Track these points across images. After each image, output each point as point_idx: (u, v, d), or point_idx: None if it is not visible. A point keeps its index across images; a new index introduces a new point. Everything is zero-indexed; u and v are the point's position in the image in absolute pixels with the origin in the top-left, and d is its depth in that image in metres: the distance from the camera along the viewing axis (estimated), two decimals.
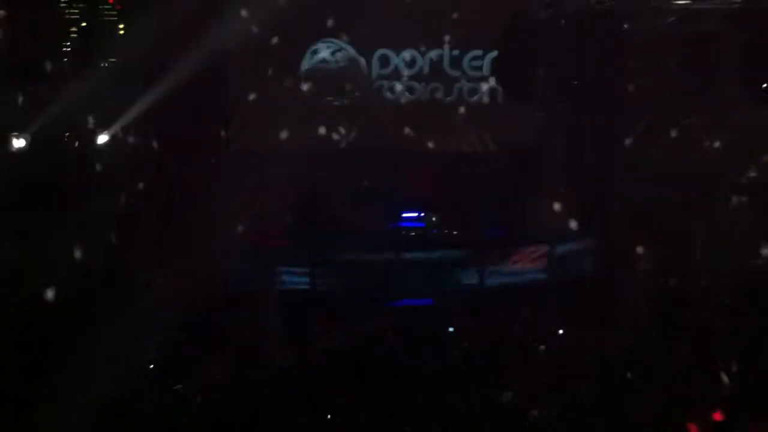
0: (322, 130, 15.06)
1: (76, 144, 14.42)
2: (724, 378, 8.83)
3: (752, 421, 8.28)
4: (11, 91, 13.28)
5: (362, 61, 15.83)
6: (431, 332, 11.67)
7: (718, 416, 8.34)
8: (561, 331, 11.38)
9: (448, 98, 15.94)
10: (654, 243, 12.95)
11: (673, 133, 14.09)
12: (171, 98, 13.54)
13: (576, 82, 15.25)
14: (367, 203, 14.78)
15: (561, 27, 15.05)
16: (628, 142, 14.45)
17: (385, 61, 15.90)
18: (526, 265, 14.61)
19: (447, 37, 15.66)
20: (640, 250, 12.89)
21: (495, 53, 15.72)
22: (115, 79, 13.98)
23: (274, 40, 14.81)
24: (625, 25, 14.50)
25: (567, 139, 15.37)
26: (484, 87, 15.87)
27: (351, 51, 15.79)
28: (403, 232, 15.52)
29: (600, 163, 14.72)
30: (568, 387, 8.97)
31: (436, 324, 12.10)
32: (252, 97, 15.16)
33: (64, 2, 15.60)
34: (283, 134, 14.92)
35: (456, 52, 15.86)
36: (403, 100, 15.93)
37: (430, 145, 15.47)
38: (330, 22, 15.34)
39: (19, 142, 13.28)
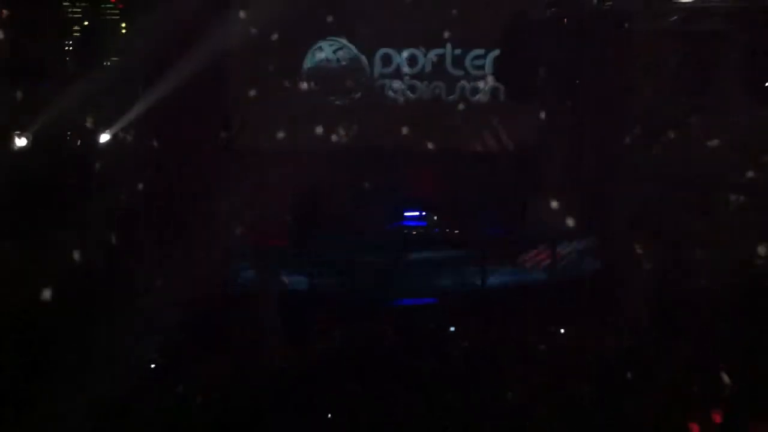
0: (323, 130, 15.08)
1: (77, 143, 14.43)
2: (724, 378, 8.83)
3: (752, 421, 8.27)
4: (12, 90, 13.29)
5: (364, 60, 15.83)
6: (431, 332, 11.66)
7: (717, 416, 8.35)
8: (561, 331, 11.37)
9: (450, 97, 15.93)
10: (654, 243, 12.95)
11: (673, 133, 14.10)
12: (171, 98, 13.55)
13: (577, 82, 15.26)
14: (367, 203, 14.80)
15: (563, 26, 15.05)
16: (628, 141, 14.45)
17: (386, 60, 15.89)
18: (526, 264, 14.61)
19: (449, 36, 15.65)
20: (640, 250, 12.89)
21: (497, 52, 15.71)
22: (117, 78, 13.99)
23: (275, 39, 14.83)
24: (626, 25, 14.50)
25: (568, 139, 15.37)
26: (486, 86, 15.86)
27: (352, 50, 15.78)
28: (404, 232, 15.52)
29: (600, 163, 14.73)
30: (568, 387, 8.96)
31: (436, 324, 12.09)
32: (253, 96, 15.18)
33: (67, 1, 15.61)
34: (284, 134, 14.95)
35: (458, 51, 15.85)
36: (404, 100, 15.92)
37: (432, 144, 15.48)
38: (331, 21, 15.35)
39: (20, 142, 13.29)
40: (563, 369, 9.52)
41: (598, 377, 9.21)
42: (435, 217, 15.57)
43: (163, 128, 14.14)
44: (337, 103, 15.81)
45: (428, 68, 15.92)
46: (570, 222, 14.22)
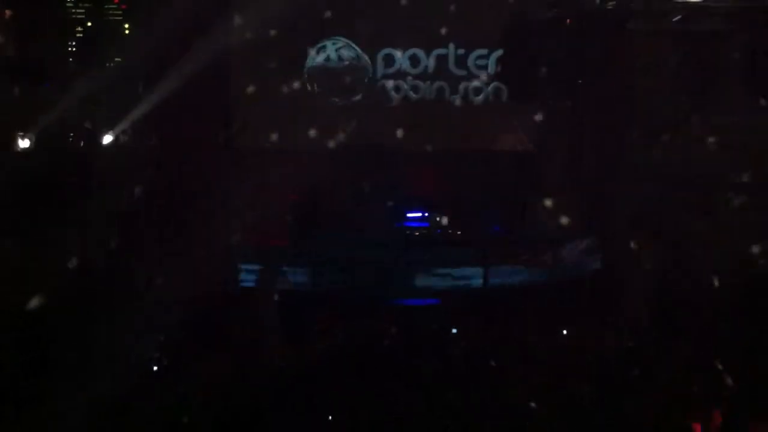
0: (324, 129, 15.08)
1: (79, 143, 14.45)
2: (724, 378, 8.84)
3: (752, 421, 8.28)
4: (16, 90, 13.31)
5: (366, 59, 15.82)
6: (432, 332, 11.66)
7: (718, 416, 8.36)
8: (561, 331, 11.37)
9: (453, 97, 15.92)
10: (654, 243, 12.96)
11: (673, 133, 14.10)
12: (173, 98, 13.56)
13: (578, 82, 15.27)
14: (368, 202, 14.80)
15: (564, 27, 15.05)
16: (628, 141, 14.46)
17: (389, 60, 15.88)
18: (527, 264, 14.60)
19: (452, 36, 15.64)
20: (640, 250, 12.90)
21: (500, 53, 15.71)
22: (119, 78, 14.01)
23: (277, 38, 14.83)
24: (627, 25, 14.50)
25: (568, 139, 15.38)
26: (489, 86, 15.86)
27: (355, 50, 15.78)
28: (406, 232, 15.53)
29: (601, 163, 14.73)
30: (568, 387, 8.97)
31: (437, 323, 12.09)
32: (254, 96, 15.18)
33: (70, 2, 15.63)
34: (285, 133, 14.95)
35: (461, 51, 15.84)
36: (407, 99, 15.92)
37: (434, 144, 15.49)
38: (334, 21, 15.35)
39: (22, 142, 13.32)
40: (563, 369, 9.53)
41: (598, 377, 9.21)
42: (437, 218, 15.55)
43: (164, 128, 14.15)
44: (339, 102, 15.81)
45: (431, 68, 15.91)
46: (570, 222, 14.24)
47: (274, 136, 15.14)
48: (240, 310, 11.71)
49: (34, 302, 9.86)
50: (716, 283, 11.48)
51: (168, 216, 13.53)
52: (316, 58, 15.73)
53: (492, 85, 15.84)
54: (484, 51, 15.84)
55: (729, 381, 8.77)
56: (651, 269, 12.49)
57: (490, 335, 11.22)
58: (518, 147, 15.74)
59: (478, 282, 14.22)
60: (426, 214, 15.67)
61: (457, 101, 15.88)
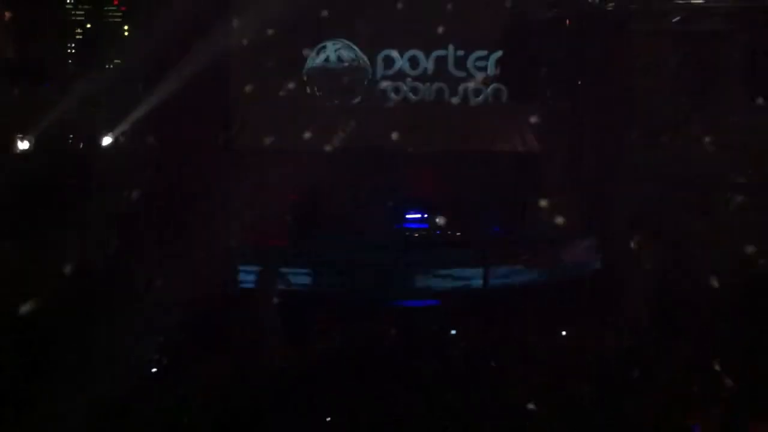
0: (323, 131, 15.09)
1: (79, 144, 14.45)
2: (724, 378, 8.84)
3: (752, 421, 8.28)
4: (16, 91, 13.32)
5: (366, 61, 15.82)
6: (432, 332, 11.67)
7: (717, 416, 8.36)
8: (561, 331, 11.37)
9: (453, 99, 15.91)
10: (654, 243, 12.95)
11: (673, 133, 14.10)
12: (172, 99, 13.57)
13: (578, 83, 15.27)
14: (368, 203, 14.80)
15: (565, 27, 15.06)
16: (628, 142, 14.46)
17: (389, 61, 15.88)
18: (527, 264, 14.59)
19: (451, 37, 15.63)
20: (640, 250, 12.89)
21: (499, 54, 15.70)
22: (118, 79, 14.02)
23: (277, 40, 14.83)
24: (627, 26, 14.50)
25: (569, 139, 15.38)
26: (489, 87, 15.85)
27: (355, 51, 15.78)
28: (406, 233, 15.52)
29: (601, 163, 14.73)
30: (568, 387, 8.97)
31: (436, 324, 12.09)
32: (253, 96, 15.19)
33: (69, 4, 15.65)
34: (285, 134, 14.95)
35: (461, 53, 15.83)
36: (406, 101, 15.92)
37: (434, 145, 15.49)
38: (333, 22, 15.35)
39: (22, 143, 13.33)
40: (563, 369, 9.53)
41: (598, 377, 9.22)
42: (437, 219, 15.54)
43: (163, 129, 14.15)
44: (339, 104, 15.81)
45: (430, 70, 15.90)
46: (570, 222, 14.24)
47: (273, 138, 15.14)
48: (240, 312, 11.71)
49: (33, 304, 9.86)
50: (716, 283, 11.47)
51: (167, 217, 13.53)
52: (315, 59, 15.73)
53: (492, 86, 15.84)
54: (484, 52, 15.83)
55: (729, 381, 8.77)
56: (651, 269, 12.48)
57: (490, 335, 11.23)
58: (518, 147, 15.74)
59: (478, 282, 14.21)
60: (426, 215, 15.67)
61: (457, 102, 15.87)
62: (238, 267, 13.71)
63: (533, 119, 15.43)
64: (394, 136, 15.12)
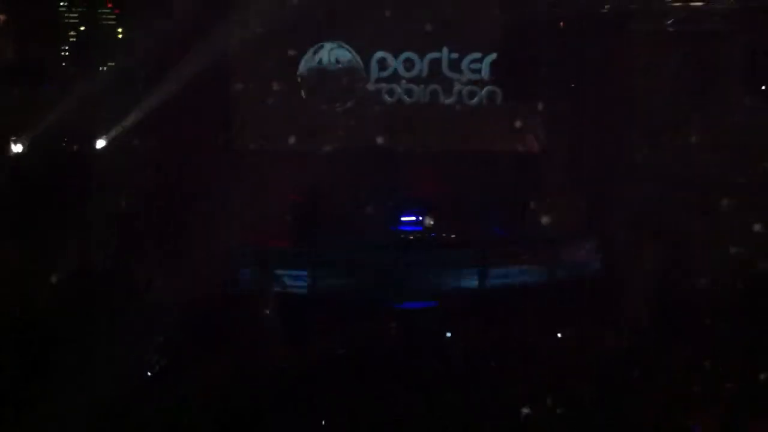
0: (322, 132, 15.10)
1: (80, 146, 14.47)
2: (724, 378, 8.84)
3: (752, 421, 8.28)
4: (12, 93, 13.33)
5: (361, 63, 15.82)
6: (432, 333, 11.66)
7: (717, 416, 8.36)
8: (561, 331, 11.37)
9: (452, 99, 15.90)
10: (654, 243, 12.95)
11: (673, 133, 14.10)
12: (171, 99, 13.58)
13: (577, 83, 15.26)
14: (368, 204, 14.80)
15: (565, 27, 15.05)
16: (628, 142, 14.46)
17: (383, 63, 15.86)
18: (527, 264, 14.58)
19: (446, 40, 15.63)
20: (640, 250, 12.89)
21: (494, 55, 15.70)
22: (117, 80, 14.04)
23: (274, 41, 14.85)
24: (625, 26, 14.50)
25: (569, 139, 15.37)
26: (484, 89, 15.85)
27: (350, 53, 15.77)
28: (404, 234, 15.52)
29: (601, 163, 14.73)
30: (568, 387, 8.97)
31: (436, 325, 12.09)
32: (252, 97, 15.21)
33: (63, 6, 15.66)
34: (283, 135, 14.97)
35: (455, 55, 15.82)
36: (400, 102, 15.91)
37: (433, 146, 15.50)
38: (330, 24, 15.35)
39: (20, 144, 13.34)
40: (563, 369, 9.53)
41: (598, 377, 9.21)
42: (435, 219, 15.54)
43: (163, 129, 14.16)
44: (337, 105, 15.81)
45: (425, 72, 15.87)
46: (570, 222, 14.24)
47: (272, 138, 15.16)
48: (239, 312, 11.70)
49: (33, 304, 9.87)
50: (716, 283, 11.48)
51: (167, 218, 13.55)
52: (311, 60, 15.72)
53: (492, 86, 15.83)
54: (478, 54, 15.81)
55: (729, 381, 8.78)
56: (651, 269, 12.46)
57: (490, 336, 11.22)
58: (518, 147, 15.74)
59: (478, 283, 14.21)
60: (421, 219, 15.66)
61: (457, 103, 15.87)
62: (237, 267, 13.71)
63: (533, 119, 15.43)
64: (395, 136, 15.14)
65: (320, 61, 15.74)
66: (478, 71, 15.79)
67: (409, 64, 15.80)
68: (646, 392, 8.81)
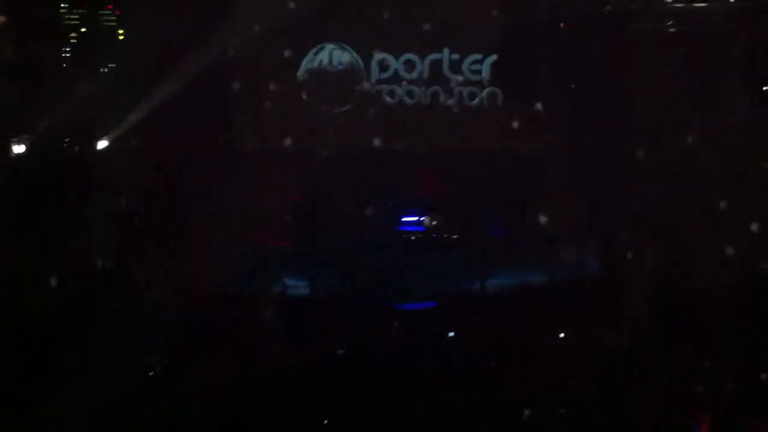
0: (321, 132, 15.11)
1: (80, 146, 14.49)
2: (724, 378, 8.84)
3: (752, 421, 8.28)
4: (12, 94, 13.33)
5: (361, 64, 15.82)
6: (432, 333, 11.66)
7: (717, 416, 8.36)
8: (561, 331, 11.36)
9: (448, 102, 15.90)
10: (654, 243, 12.95)
11: (673, 133, 14.09)
12: (171, 100, 13.59)
13: (577, 84, 15.26)
14: (368, 205, 14.81)
15: (565, 27, 15.06)
16: (628, 142, 14.45)
17: (384, 65, 15.86)
18: (527, 265, 14.59)
19: (446, 41, 15.63)
20: (640, 250, 12.88)
21: (495, 57, 15.70)
22: (118, 81, 14.05)
23: (274, 42, 14.86)
24: (625, 26, 14.51)
25: (569, 139, 15.37)
26: (485, 90, 15.85)
27: (350, 54, 15.78)
28: (405, 235, 15.52)
29: (600, 164, 14.72)
30: (568, 387, 8.96)
31: (437, 325, 12.08)
32: (253, 98, 15.21)
33: (64, 8, 15.69)
34: (283, 135, 14.97)
35: (456, 56, 15.82)
36: (401, 104, 15.91)
37: (433, 146, 15.50)
38: (330, 25, 15.36)
39: (21, 144, 13.35)
40: (563, 369, 9.52)
41: (598, 377, 9.21)
42: (436, 220, 15.54)
43: (163, 130, 14.18)
44: (336, 105, 15.81)
45: (426, 73, 15.86)
46: (570, 222, 14.23)
47: (273, 139, 15.17)
48: (239, 312, 11.70)
49: (33, 304, 9.87)
50: (716, 283, 11.47)
51: (168, 218, 13.55)
52: (312, 61, 15.73)
53: (492, 86, 15.84)
54: (479, 56, 15.81)
55: (729, 381, 8.77)
56: (651, 269, 12.46)
57: (490, 336, 11.21)
58: (518, 148, 15.73)
59: (478, 283, 14.22)
60: (422, 219, 15.66)
61: (458, 104, 15.87)
62: (237, 267, 13.71)
63: (533, 119, 15.42)
64: (395, 137, 15.15)
65: (321, 62, 15.75)
66: (479, 72, 15.80)
67: (409, 66, 15.81)
68: (646, 392, 8.80)
